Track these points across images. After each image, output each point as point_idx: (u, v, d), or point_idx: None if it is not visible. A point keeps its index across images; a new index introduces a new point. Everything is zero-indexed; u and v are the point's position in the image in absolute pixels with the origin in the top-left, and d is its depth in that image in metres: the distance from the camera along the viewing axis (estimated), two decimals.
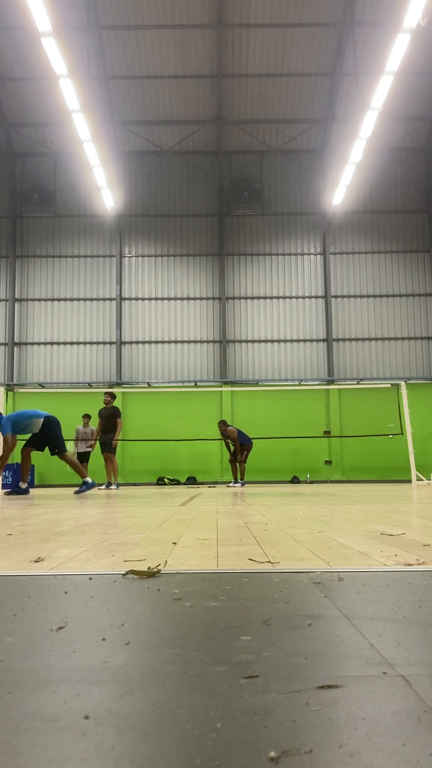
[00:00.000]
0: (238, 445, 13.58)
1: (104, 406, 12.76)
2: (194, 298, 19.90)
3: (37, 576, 1.62)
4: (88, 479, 9.19)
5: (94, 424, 14.75)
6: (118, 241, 20.05)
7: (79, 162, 19.12)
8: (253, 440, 14.22)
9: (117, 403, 18.26)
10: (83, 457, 15.15)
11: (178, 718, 0.68)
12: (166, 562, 1.82)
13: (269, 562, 1.81)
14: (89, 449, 14.85)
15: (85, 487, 9.09)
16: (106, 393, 12.94)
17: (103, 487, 12.62)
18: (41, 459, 18.32)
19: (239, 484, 13.49)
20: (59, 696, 0.76)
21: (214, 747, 0.61)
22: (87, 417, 15.23)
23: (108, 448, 12.64)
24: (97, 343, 19.81)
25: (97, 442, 13.17)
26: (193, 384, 19.39)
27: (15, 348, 19.75)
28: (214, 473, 18.78)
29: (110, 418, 12.60)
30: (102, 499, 7.25)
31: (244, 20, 17.26)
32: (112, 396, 12.91)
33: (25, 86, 18.75)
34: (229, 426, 13.75)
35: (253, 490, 10.35)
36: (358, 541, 2.33)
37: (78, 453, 15.13)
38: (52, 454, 9.14)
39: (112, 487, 12.52)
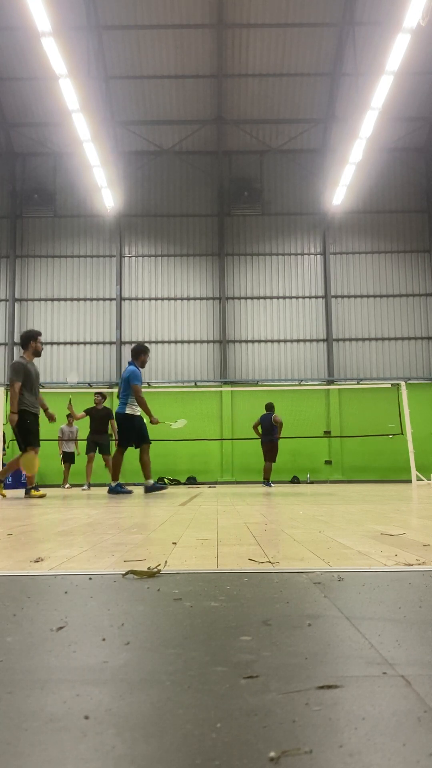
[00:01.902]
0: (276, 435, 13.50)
1: (94, 405, 12.99)
2: (194, 298, 19.90)
3: (37, 576, 1.62)
4: (114, 483, 9.02)
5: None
6: (118, 241, 20.05)
7: (79, 162, 19.11)
8: (252, 440, 14.22)
9: (117, 403, 18.26)
10: (69, 457, 15.26)
11: (178, 718, 0.68)
12: (166, 562, 1.82)
13: (269, 562, 1.81)
14: (74, 450, 15.06)
15: (118, 487, 8.89)
16: (97, 393, 13.19)
17: (86, 488, 12.83)
18: (42, 459, 18.33)
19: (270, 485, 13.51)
20: (59, 696, 0.76)
21: (214, 747, 0.61)
22: (72, 417, 15.36)
23: (104, 450, 12.86)
24: (97, 343, 19.81)
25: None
26: (193, 384, 19.39)
27: (15, 348, 19.75)
28: (214, 473, 18.78)
29: (103, 420, 12.83)
30: (102, 499, 7.25)
31: (244, 20, 17.26)
32: (103, 396, 13.14)
33: (25, 86, 18.75)
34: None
35: (253, 490, 10.35)
36: (358, 541, 2.33)
37: (63, 453, 15.26)
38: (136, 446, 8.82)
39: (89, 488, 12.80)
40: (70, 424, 15.31)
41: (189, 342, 19.72)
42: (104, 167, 16.77)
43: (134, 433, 8.66)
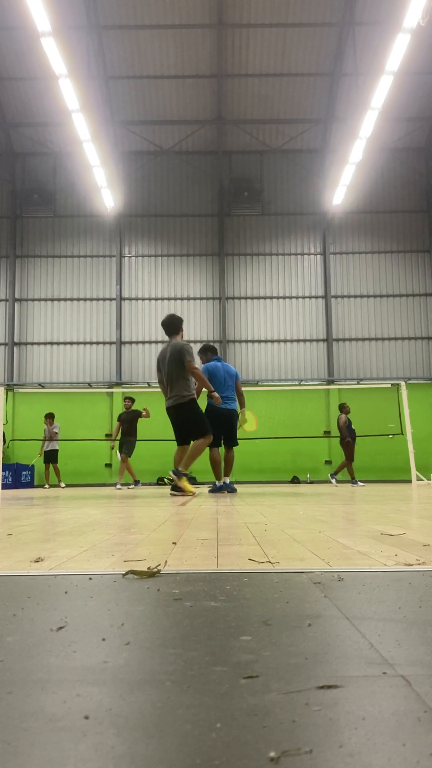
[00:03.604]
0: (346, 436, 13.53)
1: (124, 410, 13.85)
2: (194, 298, 19.90)
3: (37, 576, 1.62)
4: (226, 480, 8.76)
5: (64, 423, 15.26)
6: (118, 241, 20.05)
7: (79, 162, 19.12)
8: (252, 440, 14.23)
9: (117, 403, 18.35)
10: (50, 456, 15.49)
11: (178, 718, 0.68)
12: (166, 562, 1.82)
13: (269, 562, 1.81)
14: (55, 449, 15.41)
15: (223, 485, 8.66)
16: (126, 398, 14.13)
17: (132, 486, 13.58)
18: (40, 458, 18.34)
19: (360, 484, 13.54)
20: (59, 696, 0.76)
21: (214, 747, 0.60)
22: (50, 416, 15.70)
23: (127, 450, 13.57)
24: (97, 343, 19.81)
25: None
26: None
27: (15, 348, 19.75)
28: None
29: (132, 422, 13.69)
30: (102, 499, 7.25)
31: (244, 20, 17.26)
32: (132, 400, 13.86)
33: (25, 86, 18.76)
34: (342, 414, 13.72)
35: (253, 490, 10.35)
36: (358, 541, 2.33)
37: (45, 452, 15.51)
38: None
39: (137, 485, 13.61)
40: (50, 424, 15.56)
41: (189, 342, 19.72)
42: (104, 167, 16.77)
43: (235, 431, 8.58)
